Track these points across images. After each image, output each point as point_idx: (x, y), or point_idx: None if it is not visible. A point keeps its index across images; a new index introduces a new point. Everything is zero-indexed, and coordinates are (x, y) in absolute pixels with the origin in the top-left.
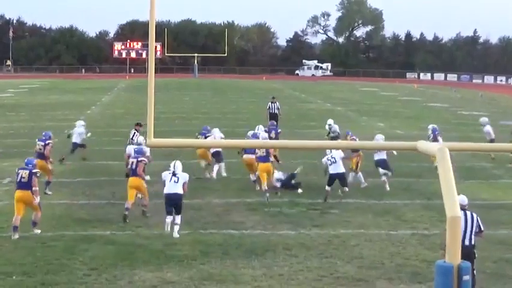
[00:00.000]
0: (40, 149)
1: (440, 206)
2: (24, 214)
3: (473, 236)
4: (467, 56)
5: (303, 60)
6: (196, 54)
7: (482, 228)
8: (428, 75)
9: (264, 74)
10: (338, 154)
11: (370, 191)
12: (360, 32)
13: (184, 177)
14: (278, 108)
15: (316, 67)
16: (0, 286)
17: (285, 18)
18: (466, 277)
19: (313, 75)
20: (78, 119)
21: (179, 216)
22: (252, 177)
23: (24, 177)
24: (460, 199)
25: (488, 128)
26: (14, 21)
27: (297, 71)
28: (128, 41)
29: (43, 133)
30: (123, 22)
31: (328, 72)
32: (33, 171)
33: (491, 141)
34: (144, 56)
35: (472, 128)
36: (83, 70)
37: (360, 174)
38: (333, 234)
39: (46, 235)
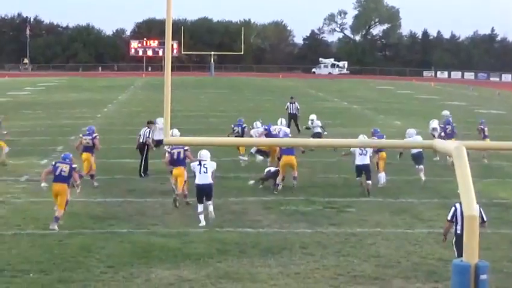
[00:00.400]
0: (88, 143)
1: None
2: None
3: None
4: (485, 54)
5: (320, 59)
6: (212, 53)
7: (485, 219)
8: (445, 73)
9: (280, 72)
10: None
11: (387, 189)
12: (377, 30)
13: (211, 165)
14: (297, 109)
15: (333, 65)
16: (17, 283)
17: (301, 16)
18: (483, 276)
19: (329, 73)
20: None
21: (211, 201)
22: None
23: (64, 171)
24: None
25: (435, 124)
26: (31, 20)
27: (313, 69)
28: (145, 39)
29: (87, 128)
30: (140, 20)
31: (345, 71)
32: (73, 166)
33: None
34: (161, 54)
35: (489, 126)
36: (100, 68)
37: (382, 174)
38: (349, 233)
39: (63, 233)
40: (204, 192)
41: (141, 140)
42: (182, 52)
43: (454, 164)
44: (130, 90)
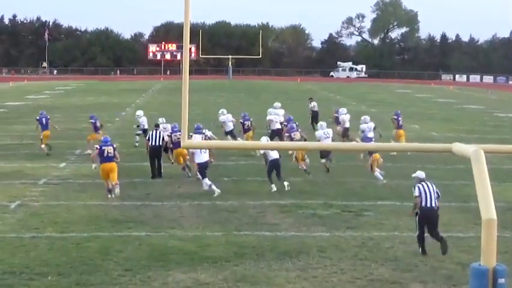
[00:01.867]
0: (110, 153)
1: (475, 208)
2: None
3: (436, 200)
4: (504, 58)
5: (338, 62)
6: (230, 56)
7: (440, 195)
8: (464, 76)
9: (298, 75)
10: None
11: (404, 192)
12: (395, 33)
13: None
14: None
15: (351, 69)
16: (36, 286)
17: (319, 20)
18: (501, 280)
19: (348, 76)
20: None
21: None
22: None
23: (110, 152)
24: (418, 173)
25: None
26: (50, 24)
27: (331, 73)
28: (163, 42)
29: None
30: (158, 24)
31: (363, 74)
32: (115, 146)
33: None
34: (179, 57)
35: (508, 129)
36: (118, 72)
37: (377, 172)
38: (367, 237)
39: (81, 236)
40: (206, 168)
41: (155, 143)
42: (200, 56)
43: (472, 168)
44: (148, 94)
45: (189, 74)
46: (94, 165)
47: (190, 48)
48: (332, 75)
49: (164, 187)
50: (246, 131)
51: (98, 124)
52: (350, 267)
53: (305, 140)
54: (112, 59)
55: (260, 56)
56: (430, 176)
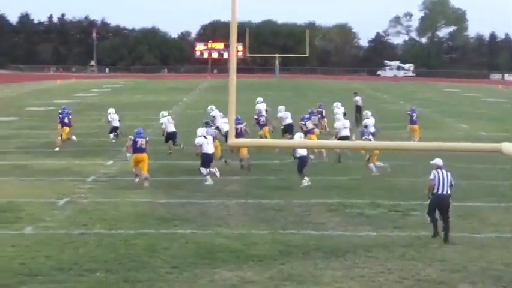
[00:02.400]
0: (142, 144)
1: None
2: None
3: (449, 188)
4: None
5: (385, 61)
6: (277, 55)
7: (453, 183)
8: None
9: (345, 74)
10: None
11: (453, 193)
12: (443, 32)
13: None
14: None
15: (398, 68)
16: (84, 282)
17: (367, 19)
18: None
19: (395, 75)
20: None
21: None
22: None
23: (143, 144)
24: (436, 161)
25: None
26: (98, 23)
27: (378, 72)
28: (210, 41)
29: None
30: (205, 23)
31: (410, 73)
32: (147, 139)
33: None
34: (226, 56)
35: None
36: (166, 70)
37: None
38: (414, 236)
39: (129, 233)
40: (210, 159)
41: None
42: (247, 54)
43: None
44: (195, 92)
45: (236, 73)
46: (128, 154)
47: (237, 47)
48: (379, 74)
49: (211, 185)
50: (238, 135)
51: (66, 120)
52: (397, 267)
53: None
54: (159, 57)
55: (307, 55)
56: (479, 176)
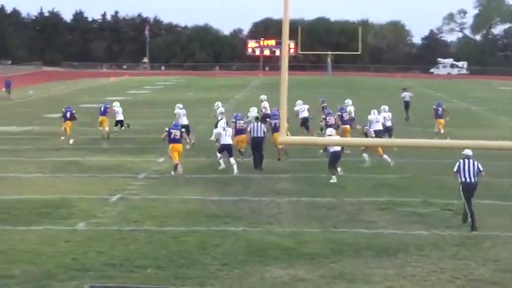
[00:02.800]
0: (176, 135)
1: None
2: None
3: (475, 177)
4: None
5: (438, 59)
6: (329, 52)
7: (482, 169)
8: None
9: (398, 72)
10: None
11: (506, 191)
12: (498, 29)
13: (230, 131)
14: (410, 96)
15: (451, 65)
16: (135, 278)
17: (420, 16)
18: None
19: (448, 73)
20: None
21: (233, 156)
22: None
23: (177, 135)
24: (466, 151)
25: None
26: (151, 20)
27: (431, 70)
28: (262, 39)
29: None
30: (257, 20)
31: (464, 71)
32: (182, 130)
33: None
34: (278, 53)
35: None
36: (217, 68)
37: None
38: (466, 236)
39: (179, 230)
40: (226, 148)
41: (257, 135)
42: (299, 52)
43: None
44: (247, 90)
45: (288, 70)
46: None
47: (289, 45)
48: (432, 72)
49: (262, 183)
50: (238, 132)
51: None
52: (449, 267)
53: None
54: (211, 55)
55: (359, 52)
56: None
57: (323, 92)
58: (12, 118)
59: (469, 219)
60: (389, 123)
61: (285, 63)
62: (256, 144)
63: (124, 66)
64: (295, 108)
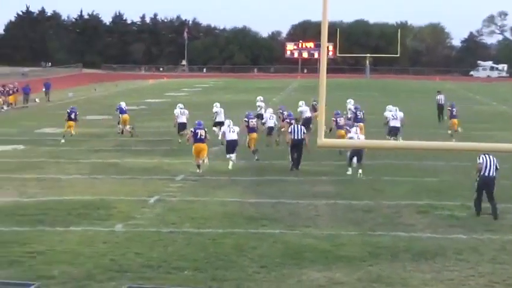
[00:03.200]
0: (202, 135)
1: None
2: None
3: (495, 171)
4: None
5: (478, 61)
6: (368, 55)
7: (498, 167)
8: None
9: (437, 74)
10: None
11: None
12: None
13: (236, 128)
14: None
15: (491, 68)
16: (172, 280)
17: (459, 18)
18: None
19: (488, 76)
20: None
21: (234, 153)
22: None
23: (202, 135)
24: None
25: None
26: (190, 22)
27: (471, 72)
28: (301, 41)
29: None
30: (295, 22)
31: (504, 74)
32: (205, 129)
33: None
34: (316, 56)
35: None
36: (255, 70)
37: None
38: (506, 240)
39: (217, 232)
40: (233, 145)
41: (297, 137)
42: (338, 54)
43: None
44: (285, 92)
45: (326, 73)
46: (188, 142)
47: (327, 47)
48: (472, 75)
49: (300, 186)
50: (250, 130)
51: (72, 116)
52: (488, 271)
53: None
54: (249, 57)
55: (398, 55)
56: None
57: (361, 94)
58: (51, 120)
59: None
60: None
61: (323, 66)
62: (296, 146)
63: (161, 69)
64: (299, 109)
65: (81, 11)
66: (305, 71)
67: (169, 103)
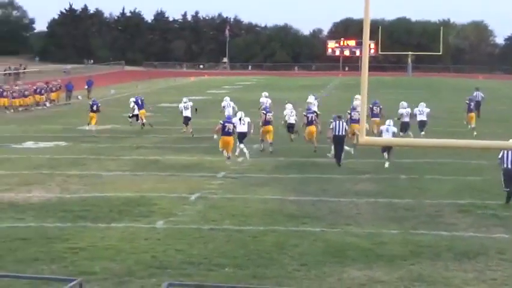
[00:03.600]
0: (229, 128)
1: None
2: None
3: None
4: None
5: None
6: (410, 53)
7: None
8: None
9: (480, 73)
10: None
11: None
12: None
13: (247, 120)
14: (482, 97)
15: None
16: (213, 277)
17: (503, 16)
18: None
19: None
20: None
21: (243, 143)
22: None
23: (230, 129)
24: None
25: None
26: (231, 20)
27: None
28: (342, 39)
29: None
30: (337, 20)
31: None
32: (235, 124)
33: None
34: (358, 54)
35: None
36: (297, 68)
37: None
38: None
39: (258, 229)
40: (244, 137)
41: (339, 133)
42: (380, 52)
43: None
44: (326, 90)
45: (368, 71)
46: (215, 136)
47: (369, 45)
48: None
49: (341, 183)
50: (266, 123)
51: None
52: None
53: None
54: (290, 55)
55: (440, 53)
56: None
57: (403, 92)
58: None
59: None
60: (407, 119)
61: (365, 64)
62: (338, 141)
63: (201, 66)
64: (308, 100)
65: (123, 9)
66: (346, 68)
67: (211, 100)
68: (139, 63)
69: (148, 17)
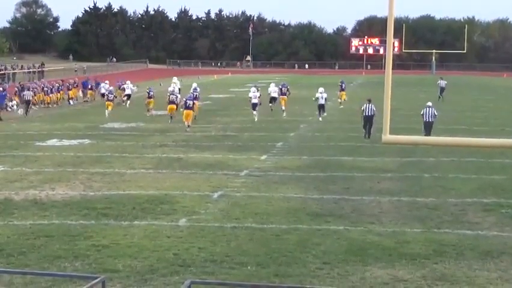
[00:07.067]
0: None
1: None
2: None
3: None
4: None
5: None
6: (434, 51)
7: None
8: None
9: (505, 71)
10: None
11: None
12: None
13: (258, 94)
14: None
15: None
16: (235, 275)
17: None
18: None
19: None
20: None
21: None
22: None
23: (190, 104)
24: None
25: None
26: (255, 18)
27: None
28: (366, 37)
29: None
30: (361, 18)
31: None
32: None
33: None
34: (381, 52)
35: None
36: (319, 65)
37: None
38: None
39: (281, 227)
40: (253, 106)
41: (368, 114)
42: (403, 50)
43: None
44: (350, 88)
45: (392, 69)
46: (181, 109)
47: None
48: None
49: (364, 182)
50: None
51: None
52: None
53: None
54: (314, 53)
55: (465, 51)
56: None
57: (426, 91)
58: (117, 114)
59: None
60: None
61: (389, 62)
62: (368, 120)
63: (223, 64)
64: (269, 89)
65: (147, 7)
66: (369, 67)
67: (234, 98)
68: (163, 61)
69: (172, 15)
